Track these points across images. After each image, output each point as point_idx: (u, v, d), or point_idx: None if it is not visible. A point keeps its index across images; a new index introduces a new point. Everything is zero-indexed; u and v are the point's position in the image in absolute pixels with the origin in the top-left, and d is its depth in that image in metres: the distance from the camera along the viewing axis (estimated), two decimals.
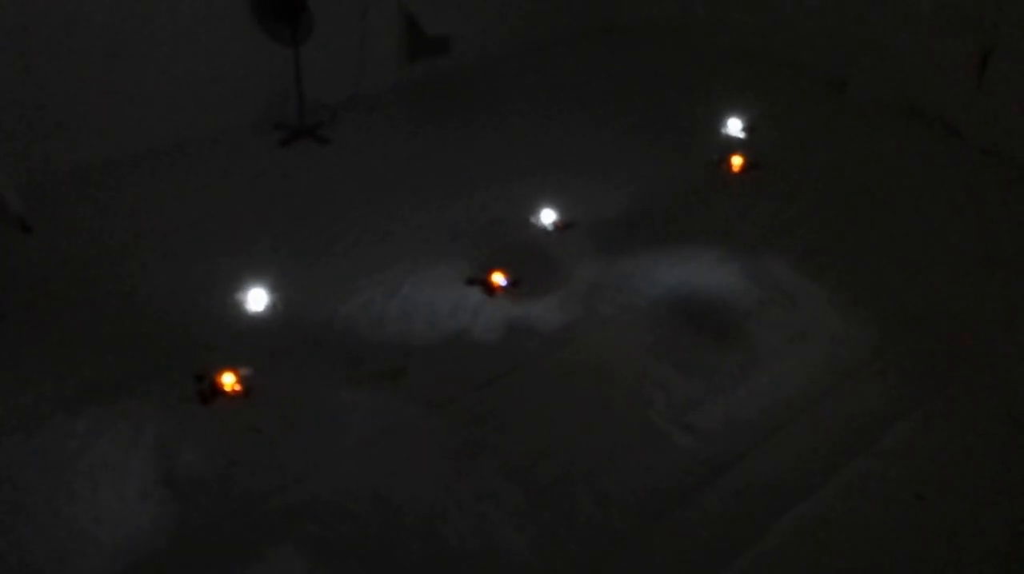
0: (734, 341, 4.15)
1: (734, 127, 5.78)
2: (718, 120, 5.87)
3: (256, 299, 4.11)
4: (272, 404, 3.69)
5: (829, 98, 6.52)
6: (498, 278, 4.37)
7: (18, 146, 4.86)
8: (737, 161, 5.11)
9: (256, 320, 4.12)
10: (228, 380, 3.70)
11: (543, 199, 5.01)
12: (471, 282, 4.41)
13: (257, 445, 3.53)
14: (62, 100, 4.95)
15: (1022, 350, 4.16)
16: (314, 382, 3.82)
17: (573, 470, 3.47)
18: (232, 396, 3.69)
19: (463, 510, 3.28)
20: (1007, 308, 4.43)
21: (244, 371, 3.74)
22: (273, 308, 4.12)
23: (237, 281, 4.29)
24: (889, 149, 5.87)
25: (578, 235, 4.86)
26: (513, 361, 3.98)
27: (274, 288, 4.19)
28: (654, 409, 3.75)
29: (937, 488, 3.43)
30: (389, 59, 6.29)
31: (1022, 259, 4.78)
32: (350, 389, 3.79)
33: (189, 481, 3.35)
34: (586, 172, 5.43)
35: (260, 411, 3.65)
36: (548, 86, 6.57)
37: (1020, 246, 4.89)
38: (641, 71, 6.83)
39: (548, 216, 4.87)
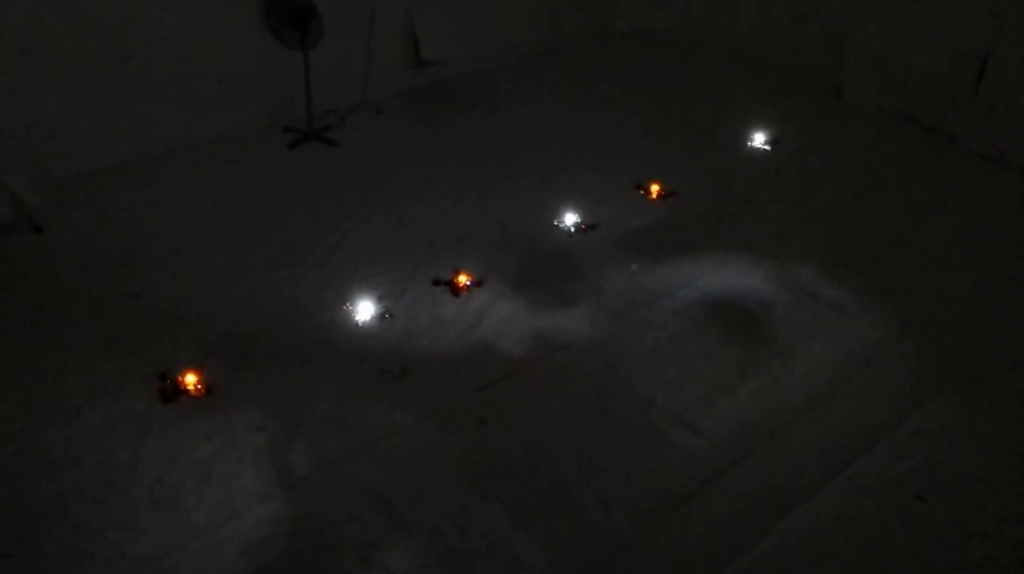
0: (737, 342, 4.15)
1: (758, 140, 5.95)
2: (727, 126, 5.93)
3: (364, 310, 4.19)
4: (274, 405, 3.72)
5: (827, 104, 6.56)
6: (463, 279, 4.44)
7: (30, 147, 4.92)
8: (655, 188, 5.36)
9: (261, 322, 4.16)
10: (191, 379, 3.74)
11: (552, 202, 5.09)
12: (436, 283, 4.46)
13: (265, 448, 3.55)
14: (74, 102, 5.01)
15: None
16: (317, 383, 3.84)
17: (575, 471, 3.47)
18: (195, 395, 3.72)
19: (466, 511, 3.30)
20: (1012, 311, 4.43)
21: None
22: (382, 318, 4.19)
23: (243, 284, 4.39)
24: (889, 154, 5.89)
25: (590, 238, 4.90)
26: (515, 363, 3.99)
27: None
28: (656, 409, 3.76)
29: (938, 490, 3.43)
30: (397, 63, 6.35)
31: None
32: (353, 390, 3.80)
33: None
34: (596, 175, 5.48)
35: (260, 412, 3.68)
36: (554, 91, 6.63)
37: (1021, 249, 4.91)
38: (645, 75, 6.92)
39: (570, 218, 4.99)
